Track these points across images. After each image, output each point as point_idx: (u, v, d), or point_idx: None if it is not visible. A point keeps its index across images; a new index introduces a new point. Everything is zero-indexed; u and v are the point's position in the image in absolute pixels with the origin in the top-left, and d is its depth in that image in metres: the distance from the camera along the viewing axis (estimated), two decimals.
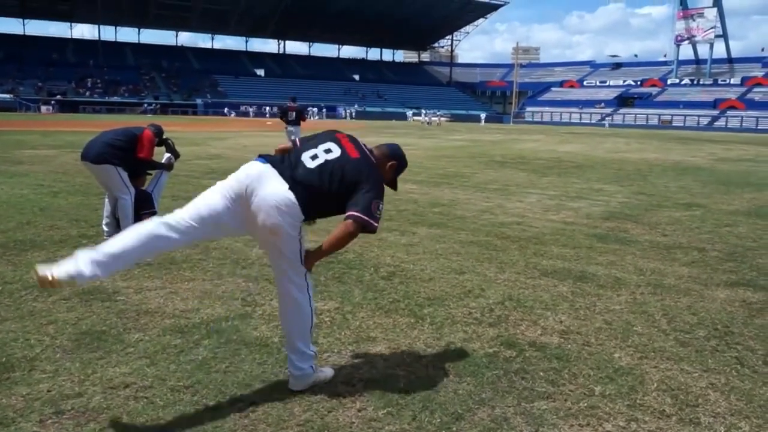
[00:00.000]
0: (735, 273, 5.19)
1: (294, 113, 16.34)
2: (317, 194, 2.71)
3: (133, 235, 2.59)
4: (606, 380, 3.06)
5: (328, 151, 2.81)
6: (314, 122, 48.79)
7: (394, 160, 2.97)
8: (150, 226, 2.62)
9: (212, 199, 2.70)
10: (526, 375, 3.10)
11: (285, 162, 2.78)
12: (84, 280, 2.48)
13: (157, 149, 6.00)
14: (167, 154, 6.28)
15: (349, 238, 2.71)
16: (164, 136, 6.13)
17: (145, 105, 62.64)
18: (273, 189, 2.65)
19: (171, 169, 6.31)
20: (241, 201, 2.67)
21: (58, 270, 2.43)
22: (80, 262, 2.46)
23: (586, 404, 2.81)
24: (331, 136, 2.93)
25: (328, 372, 3.01)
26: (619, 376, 3.11)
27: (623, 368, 3.21)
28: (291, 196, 2.64)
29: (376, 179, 2.82)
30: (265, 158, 2.81)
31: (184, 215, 2.65)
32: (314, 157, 2.79)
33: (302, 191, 2.67)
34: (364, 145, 2.96)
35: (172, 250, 2.83)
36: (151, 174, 6.09)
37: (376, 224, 2.71)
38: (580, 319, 3.95)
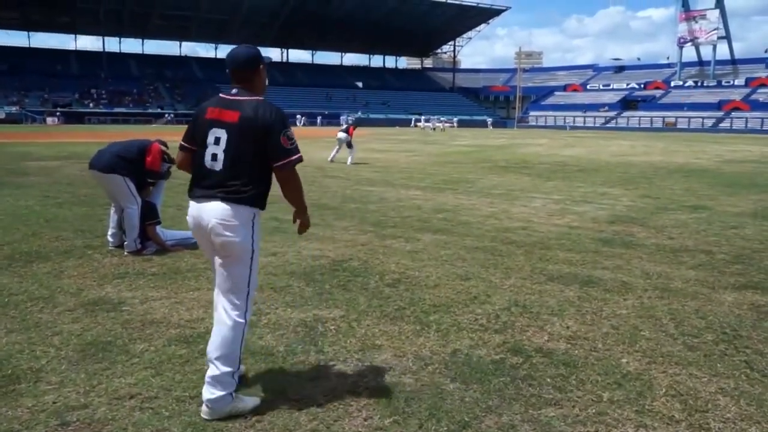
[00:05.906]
0: (743, 276, 5.15)
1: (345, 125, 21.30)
2: (251, 178, 2.71)
3: (216, 328, 2.81)
4: (614, 386, 3.04)
5: (218, 141, 2.72)
6: (315, 129, 49.04)
7: (259, 63, 2.81)
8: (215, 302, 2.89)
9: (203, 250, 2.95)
10: (533, 382, 3.07)
11: (198, 184, 2.77)
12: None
13: None
14: (164, 164, 6.35)
15: (293, 180, 2.81)
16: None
17: (167, 116, 63.46)
18: (210, 211, 2.71)
19: (168, 176, 6.38)
20: (206, 237, 2.78)
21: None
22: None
23: (594, 411, 2.78)
24: (209, 122, 2.75)
25: (249, 402, 2.77)
26: (627, 381, 3.09)
27: (631, 374, 3.18)
28: (225, 206, 2.69)
29: (264, 114, 2.69)
30: (190, 196, 2.82)
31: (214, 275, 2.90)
32: (214, 157, 2.72)
33: (235, 192, 2.69)
34: (236, 91, 2.78)
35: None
36: (153, 183, 6.12)
37: (294, 156, 2.74)
38: (587, 325, 3.93)
